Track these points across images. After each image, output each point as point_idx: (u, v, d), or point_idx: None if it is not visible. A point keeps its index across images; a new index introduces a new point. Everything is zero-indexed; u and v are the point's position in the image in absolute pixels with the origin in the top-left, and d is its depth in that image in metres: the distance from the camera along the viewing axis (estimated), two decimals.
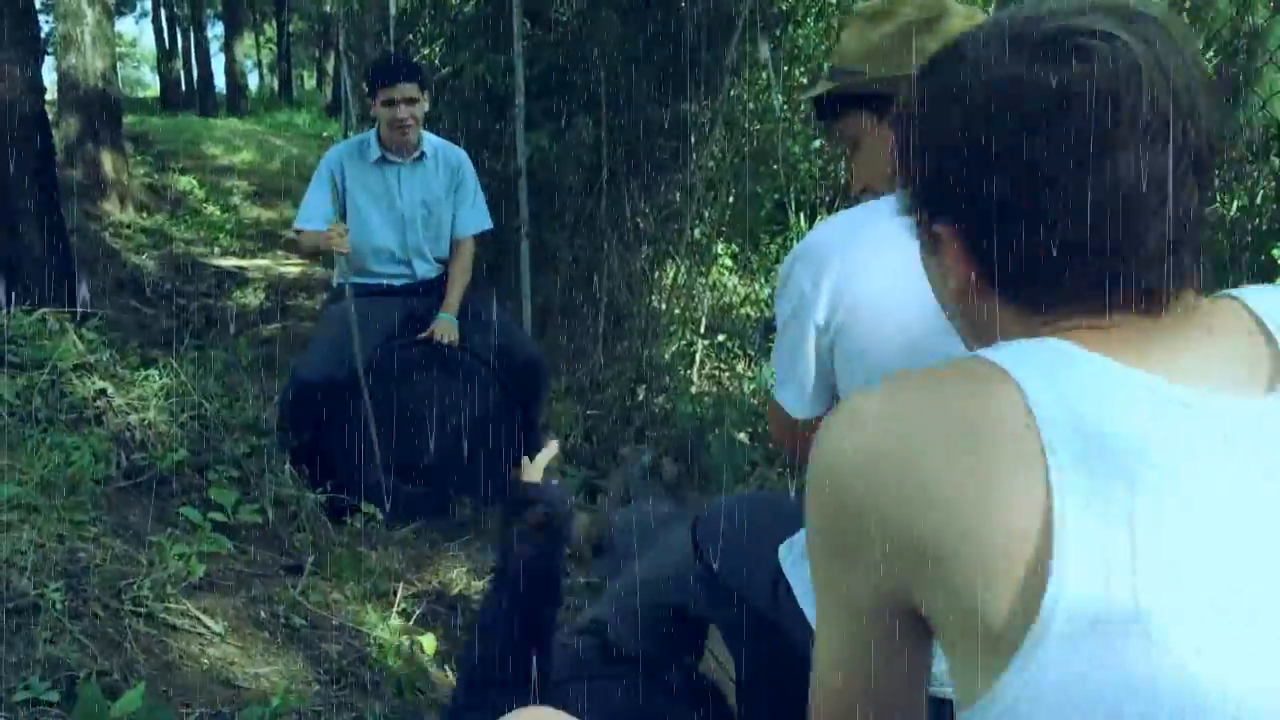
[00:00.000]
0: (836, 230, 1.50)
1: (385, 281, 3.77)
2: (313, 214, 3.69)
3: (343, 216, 3.68)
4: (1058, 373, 0.73)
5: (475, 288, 3.92)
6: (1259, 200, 5.33)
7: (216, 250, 8.96)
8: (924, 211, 0.88)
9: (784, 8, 5.21)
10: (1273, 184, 5.17)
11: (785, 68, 5.37)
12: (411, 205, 3.75)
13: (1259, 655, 0.67)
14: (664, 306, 5.62)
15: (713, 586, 1.81)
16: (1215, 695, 0.66)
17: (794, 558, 1.58)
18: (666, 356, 5.38)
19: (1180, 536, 0.68)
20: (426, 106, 3.70)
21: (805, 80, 5.32)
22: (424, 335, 3.61)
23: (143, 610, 2.11)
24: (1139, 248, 0.75)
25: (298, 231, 3.76)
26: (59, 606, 1.96)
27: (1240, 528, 0.69)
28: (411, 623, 2.64)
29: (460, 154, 3.89)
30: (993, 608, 0.69)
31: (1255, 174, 5.32)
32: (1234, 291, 0.83)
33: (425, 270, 3.83)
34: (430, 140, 3.80)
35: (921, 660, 0.83)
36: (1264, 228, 4.99)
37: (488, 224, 3.95)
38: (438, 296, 3.76)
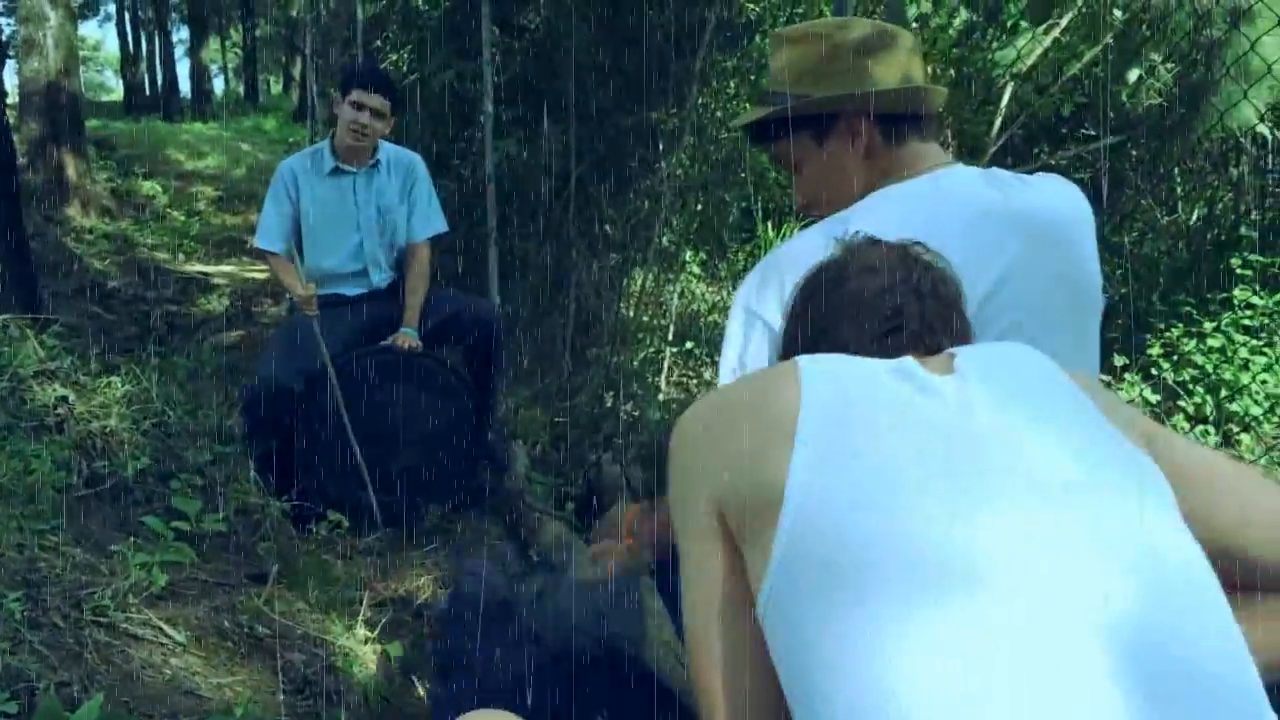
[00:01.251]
0: (808, 245, 1.52)
1: (340, 291, 3.71)
2: (270, 232, 3.66)
3: (298, 231, 3.66)
4: (817, 359, 1.09)
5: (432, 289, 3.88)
6: (1218, 210, 5.42)
7: (181, 256, 8.88)
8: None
9: (750, 18, 5.24)
10: (1231, 194, 5.25)
11: (752, 77, 5.40)
12: (367, 215, 3.71)
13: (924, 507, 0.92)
14: (632, 314, 5.63)
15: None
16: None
17: None
18: (635, 364, 5.38)
19: (893, 472, 0.95)
20: (387, 130, 3.67)
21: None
22: (385, 343, 3.55)
23: (104, 620, 2.09)
24: (900, 337, 1.17)
25: (263, 253, 3.72)
26: (18, 616, 1.93)
27: (940, 461, 0.96)
28: (377, 632, 2.62)
29: (413, 157, 3.85)
30: (770, 473, 0.98)
31: (1215, 184, 5.40)
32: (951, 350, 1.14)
33: (380, 278, 3.79)
34: (384, 147, 3.75)
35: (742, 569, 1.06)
36: (1223, 237, 5.07)
37: (443, 227, 3.91)
38: (394, 302, 3.72)
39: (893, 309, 1.19)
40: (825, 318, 1.23)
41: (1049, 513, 0.91)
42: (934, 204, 1.45)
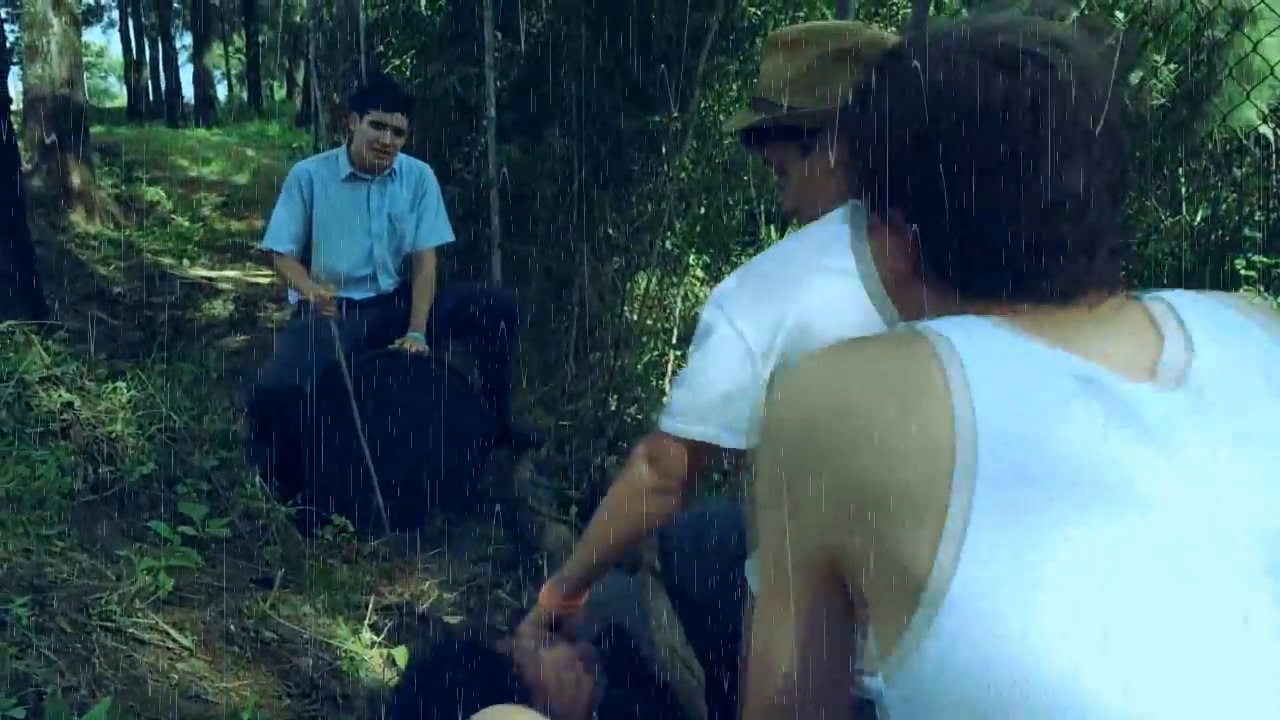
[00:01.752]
0: (785, 255, 1.51)
1: (348, 294, 3.74)
2: (282, 233, 3.69)
3: (308, 233, 3.70)
4: (974, 340, 0.80)
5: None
6: (1222, 210, 5.41)
7: (185, 261, 8.89)
8: (866, 197, 0.93)
9: (752, 21, 5.25)
10: (1234, 195, 5.25)
11: (755, 80, 5.40)
12: (379, 222, 3.76)
13: (1151, 666, 0.69)
14: (636, 317, 5.63)
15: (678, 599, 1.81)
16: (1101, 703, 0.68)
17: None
18: (639, 367, 5.38)
19: (1082, 553, 0.71)
20: (404, 145, 3.73)
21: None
22: (393, 347, 3.58)
23: (110, 625, 2.09)
24: (1058, 247, 0.83)
25: (272, 253, 3.74)
26: (25, 621, 1.94)
27: (1121, 509, 0.73)
28: (383, 636, 2.62)
29: (423, 167, 3.91)
30: (912, 550, 0.73)
31: (1218, 185, 5.41)
32: (1162, 293, 0.89)
33: (388, 284, 3.85)
34: (397, 156, 3.79)
35: (845, 638, 0.87)
36: (1226, 238, 5.06)
37: (450, 236, 3.96)
38: (399, 307, 3.76)
39: (1074, 200, 0.82)
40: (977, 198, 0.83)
41: None
42: None
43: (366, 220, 3.74)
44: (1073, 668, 0.68)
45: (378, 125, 3.57)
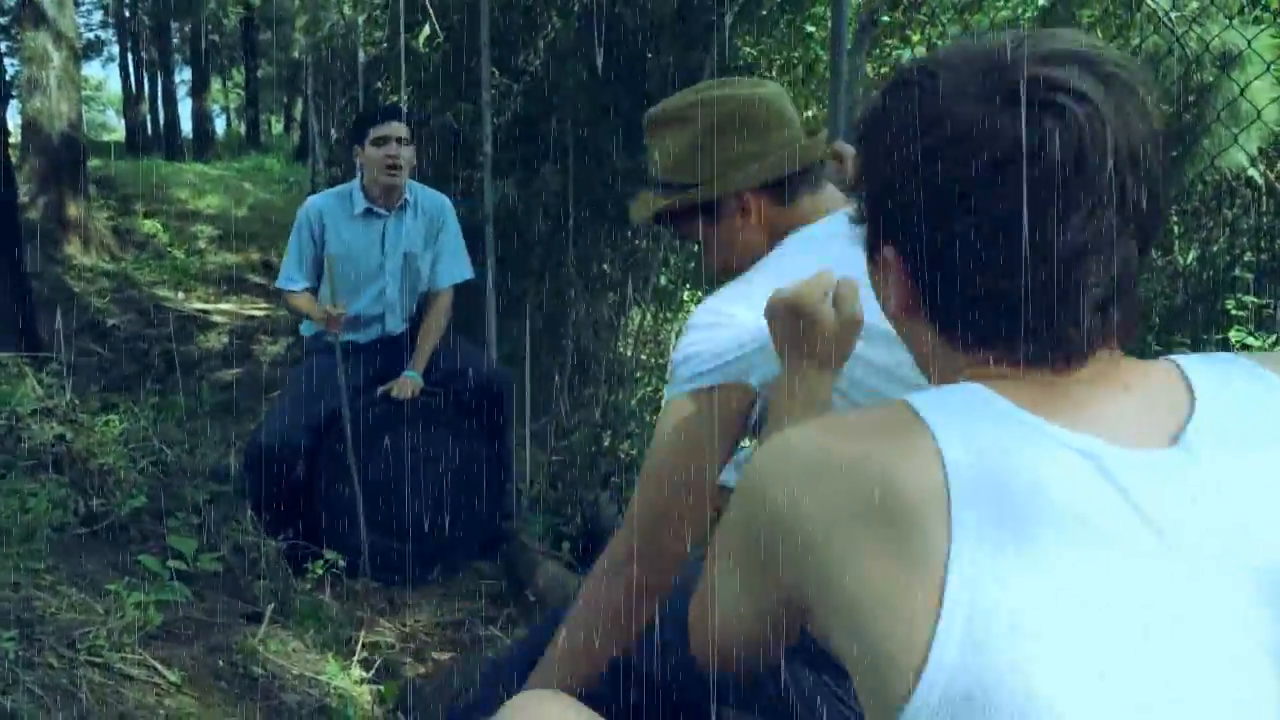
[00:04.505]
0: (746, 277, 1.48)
1: (353, 338, 3.61)
2: (294, 273, 3.59)
3: (319, 273, 3.59)
4: (972, 423, 0.76)
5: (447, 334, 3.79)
6: (1213, 251, 5.45)
7: (180, 294, 8.91)
8: (871, 229, 0.90)
9: (747, 60, 5.30)
10: (1225, 236, 5.28)
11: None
12: (394, 261, 3.62)
13: None
14: (630, 353, 5.64)
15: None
16: None
17: None
18: (633, 403, 5.38)
19: (1067, 601, 0.69)
20: (414, 158, 3.60)
21: None
22: (383, 390, 3.50)
23: (98, 660, 2.08)
24: (1066, 304, 0.77)
25: (283, 292, 3.67)
26: (12, 656, 1.92)
27: (1127, 592, 0.70)
28: (372, 672, 2.61)
29: (441, 200, 3.76)
30: (884, 665, 0.71)
31: (1209, 226, 5.45)
32: (1173, 357, 0.85)
33: (395, 324, 3.70)
34: (412, 187, 3.67)
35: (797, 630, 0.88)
36: (1218, 279, 5.10)
37: (468, 274, 3.81)
38: (405, 350, 3.65)
39: (1076, 254, 0.77)
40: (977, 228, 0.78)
41: None
42: (845, 244, 1.35)
43: (381, 259, 3.60)
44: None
45: (381, 141, 3.46)
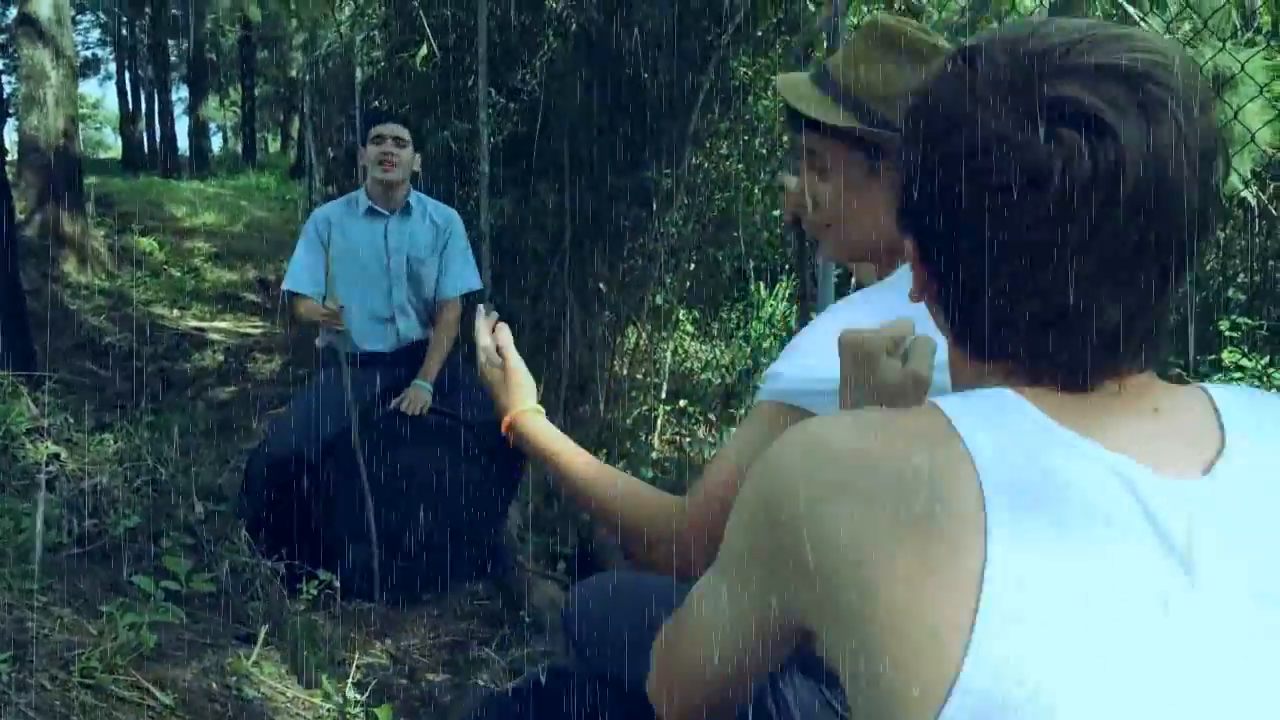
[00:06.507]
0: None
1: (367, 348, 3.65)
2: (301, 275, 3.65)
3: (327, 276, 3.60)
4: (1006, 433, 0.74)
5: (455, 350, 3.80)
6: (1208, 271, 5.47)
7: (176, 312, 8.90)
8: (901, 221, 0.88)
9: (743, 81, 5.32)
10: (1219, 258, 5.30)
11: (745, 138, 5.47)
12: (397, 261, 3.70)
13: None
14: (626, 371, 5.64)
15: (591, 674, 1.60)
16: None
17: None
18: (628, 422, 5.38)
19: (1097, 620, 0.68)
20: (415, 164, 3.69)
21: (764, 150, 5.42)
22: (394, 404, 3.52)
23: (91, 682, 2.07)
24: (1091, 325, 0.75)
25: (289, 294, 3.70)
26: (5, 678, 1.91)
27: (1153, 622, 0.69)
28: (367, 694, 2.60)
29: (450, 213, 3.85)
30: (902, 681, 0.68)
31: (1203, 247, 5.45)
32: (1203, 385, 0.83)
33: (408, 329, 3.74)
34: (420, 198, 3.78)
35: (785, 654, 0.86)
36: (1210, 300, 5.12)
37: (476, 284, 3.87)
38: (417, 365, 3.66)
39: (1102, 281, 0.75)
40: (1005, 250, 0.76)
41: None
42: None
43: (384, 257, 3.68)
44: None
45: (377, 140, 3.58)
